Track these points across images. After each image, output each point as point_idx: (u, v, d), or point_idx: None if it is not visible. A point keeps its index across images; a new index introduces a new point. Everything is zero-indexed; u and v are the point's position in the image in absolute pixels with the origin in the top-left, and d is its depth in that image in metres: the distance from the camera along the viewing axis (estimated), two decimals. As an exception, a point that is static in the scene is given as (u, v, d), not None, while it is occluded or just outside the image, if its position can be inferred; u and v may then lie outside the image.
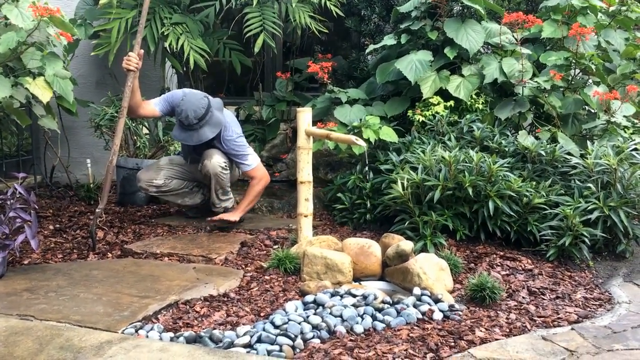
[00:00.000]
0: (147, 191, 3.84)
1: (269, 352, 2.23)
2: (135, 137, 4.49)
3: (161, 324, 2.46)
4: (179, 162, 3.91)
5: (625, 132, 4.12)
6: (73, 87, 3.46)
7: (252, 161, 3.81)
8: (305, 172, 3.35)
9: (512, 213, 3.36)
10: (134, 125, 4.43)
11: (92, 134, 4.54)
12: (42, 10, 3.09)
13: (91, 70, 4.98)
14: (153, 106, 3.69)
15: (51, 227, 3.79)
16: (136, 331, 2.36)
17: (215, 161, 3.67)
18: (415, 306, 2.64)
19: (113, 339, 2.23)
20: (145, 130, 4.55)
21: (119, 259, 3.28)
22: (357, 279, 3.03)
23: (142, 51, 3.48)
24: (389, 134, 3.88)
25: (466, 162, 3.48)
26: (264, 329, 2.38)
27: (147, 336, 2.33)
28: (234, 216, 3.74)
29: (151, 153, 4.48)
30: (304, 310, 2.60)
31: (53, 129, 3.80)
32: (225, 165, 3.71)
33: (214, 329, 2.44)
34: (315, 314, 2.53)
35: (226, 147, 3.73)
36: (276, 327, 2.40)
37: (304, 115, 3.34)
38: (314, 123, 3.64)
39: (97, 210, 3.40)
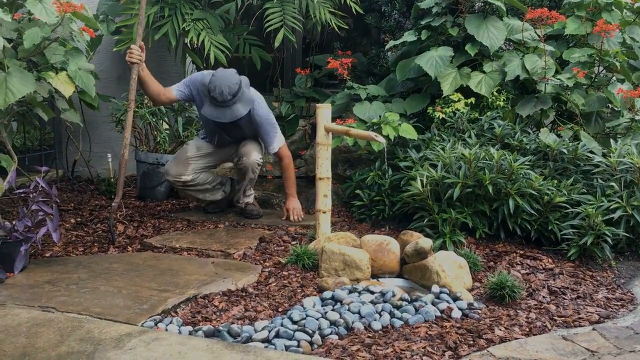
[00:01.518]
0: (173, 185, 3.86)
1: (286, 348, 2.24)
2: (155, 132, 4.52)
3: (180, 318, 2.48)
4: (207, 151, 3.88)
5: (649, 130, 4.05)
6: (95, 82, 3.50)
7: (281, 140, 3.82)
8: (324, 168, 3.35)
9: (532, 211, 3.33)
10: (154, 120, 4.47)
11: (113, 128, 4.59)
12: (66, 6, 3.12)
13: (113, 65, 5.03)
14: (171, 91, 3.69)
15: (72, 220, 3.84)
16: (155, 324, 2.38)
17: (254, 158, 3.75)
18: (433, 304, 2.62)
19: (133, 331, 2.25)
20: (165, 126, 4.58)
21: (139, 253, 3.30)
22: (375, 275, 3.02)
23: (142, 43, 3.46)
24: (408, 131, 3.86)
25: (486, 160, 3.45)
26: (282, 324, 2.38)
27: (167, 329, 2.35)
28: (295, 204, 3.87)
29: (171, 148, 4.51)
30: (322, 306, 2.60)
31: (76, 122, 3.84)
32: (261, 161, 3.79)
33: (232, 323, 2.45)
34: (333, 310, 2.53)
35: (257, 125, 3.70)
36: (294, 322, 2.41)
37: (324, 112, 3.34)
38: (333, 119, 3.63)
39: (112, 204, 3.43)
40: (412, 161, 3.75)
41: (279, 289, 2.85)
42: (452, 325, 2.46)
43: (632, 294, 2.87)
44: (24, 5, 3.18)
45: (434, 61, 4.01)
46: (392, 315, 2.53)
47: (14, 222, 2.94)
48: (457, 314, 2.56)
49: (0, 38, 2.97)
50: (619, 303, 2.76)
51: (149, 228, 3.74)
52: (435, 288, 2.75)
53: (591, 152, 3.65)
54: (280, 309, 2.62)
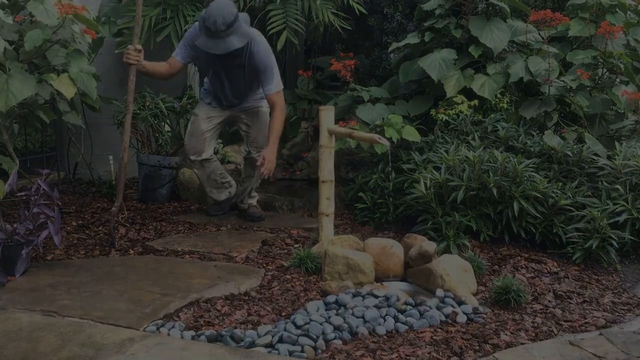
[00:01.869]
0: (192, 163, 3.83)
1: (290, 353, 2.22)
2: (157, 135, 4.50)
3: (182, 322, 2.46)
4: (218, 120, 3.82)
5: (654, 132, 4.03)
6: (96, 84, 3.48)
7: (278, 83, 3.60)
8: (326, 170, 3.33)
9: (537, 214, 3.30)
10: (155, 122, 4.45)
11: (115, 130, 4.56)
12: (67, 8, 3.10)
13: (115, 67, 5.01)
14: (175, 61, 3.60)
15: (74, 223, 3.82)
16: (158, 329, 2.36)
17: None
18: (438, 308, 2.60)
19: (135, 336, 2.23)
20: (167, 128, 4.56)
21: (141, 256, 3.28)
22: (379, 279, 3.00)
23: (139, 46, 3.41)
24: (411, 133, 3.84)
25: (490, 162, 3.43)
26: (285, 329, 2.36)
27: (169, 334, 2.33)
28: (273, 154, 3.50)
29: (173, 150, 4.49)
30: (326, 310, 2.57)
31: (78, 124, 3.82)
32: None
33: (235, 328, 2.43)
34: (337, 314, 2.51)
35: (255, 64, 3.54)
36: (298, 327, 2.38)
37: (327, 114, 3.32)
38: (336, 122, 3.61)
39: (112, 209, 3.40)
40: (415, 164, 3.73)
41: (282, 292, 2.82)
42: (458, 330, 2.44)
43: (639, 298, 2.85)
44: (26, 7, 3.16)
45: (437, 63, 4.00)
46: (396, 319, 2.51)
47: (15, 225, 2.92)
48: (462, 318, 2.54)
49: (1, 40, 2.95)
50: (625, 307, 2.74)
51: (150, 231, 3.72)
52: (440, 292, 2.72)
53: (596, 154, 3.63)
54: (283, 313, 2.60)
